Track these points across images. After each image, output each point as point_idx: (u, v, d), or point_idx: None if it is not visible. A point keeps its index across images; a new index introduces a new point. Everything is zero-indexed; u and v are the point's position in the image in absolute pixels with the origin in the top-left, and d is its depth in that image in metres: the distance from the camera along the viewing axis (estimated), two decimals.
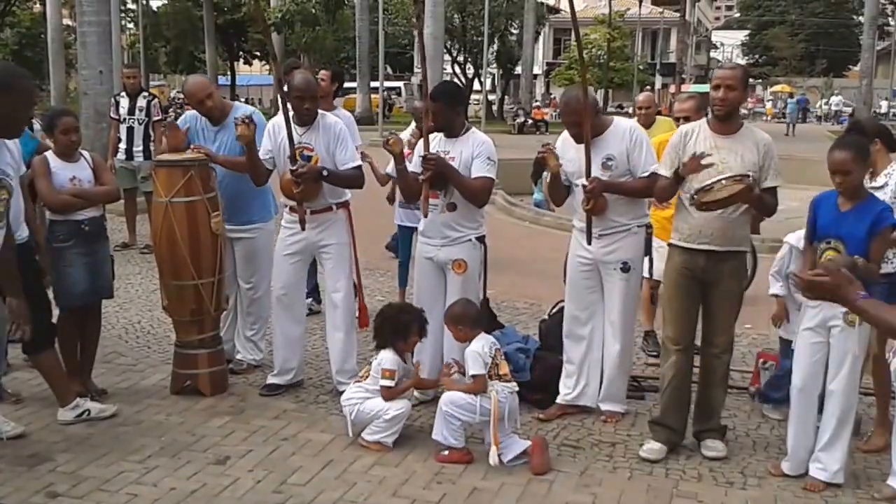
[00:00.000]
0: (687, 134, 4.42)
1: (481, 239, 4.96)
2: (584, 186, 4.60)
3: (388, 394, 4.46)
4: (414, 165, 4.98)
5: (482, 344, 4.40)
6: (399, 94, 45.20)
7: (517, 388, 4.44)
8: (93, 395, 4.95)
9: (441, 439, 4.33)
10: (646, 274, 6.14)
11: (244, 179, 5.18)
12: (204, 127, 5.37)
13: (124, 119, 9.24)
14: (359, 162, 5.12)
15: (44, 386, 4.83)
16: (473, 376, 4.33)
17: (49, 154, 4.94)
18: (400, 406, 4.47)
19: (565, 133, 4.86)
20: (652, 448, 4.40)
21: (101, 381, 5.22)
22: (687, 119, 5.79)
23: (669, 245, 4.53)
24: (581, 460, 4.37)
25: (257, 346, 5.66)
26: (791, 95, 45.49)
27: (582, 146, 4.60)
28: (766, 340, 6.28)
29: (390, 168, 6.44)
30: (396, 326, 4.56)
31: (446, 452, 4.31)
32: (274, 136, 5.04)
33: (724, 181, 4.11)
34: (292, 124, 4.88)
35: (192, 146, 5.20)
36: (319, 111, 5.06)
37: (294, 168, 4.84)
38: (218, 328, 5.31)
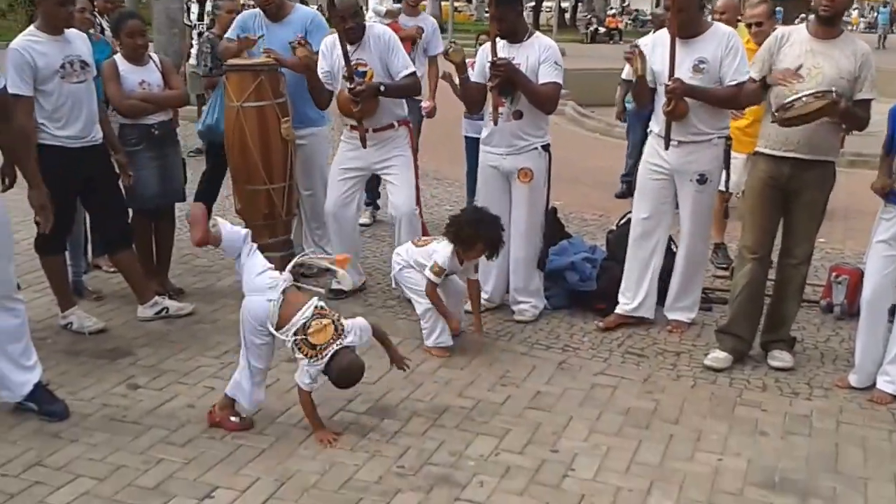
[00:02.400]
0: (783, 37, 4.24)
1: (546, 147, 4.91)
2: (665, 86, 4.48)
3: (430, 290, 4.46)
4: (476, 75, 4.93)
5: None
6: (469, 1, 44.42)
7: None
8: (170, 294, 5.14)
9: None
10: (721, 187, 6.05)
11: (300, 82, 5.20)
12: (261, 24, 5.33)
13: (195, 25, 9.28)
14: (412, 69, 5.08)
15: (123, 284, 5.03)
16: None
17: (118, 57, 4.97)
18: (428, 304, 4.49)
19: (658, 33, 4.75)
20: (717, 357, 4.40)
21: (178, 282, 5.41)
22: (759, 25, 5.59)
23: (754, 153, 4.42)
24: (644, 368, 4.40)
25: (325, 251, 5.75)
26: (885, 4, 43.13)
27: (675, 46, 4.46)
28: (839, 255, 6.16)
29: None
30: (466, 234, 4.45)
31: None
32: (329, 54, 5.02)
33: (805, 98, 3.96)
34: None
35: (262, 51, 5.22)
36: (366, 24, 5.01)
37: (351, 87, 4.84)
38: (289, 232, 5.43)
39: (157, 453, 3.49)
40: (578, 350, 4.61)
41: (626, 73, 6.95)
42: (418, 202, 5.28)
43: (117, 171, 4.82)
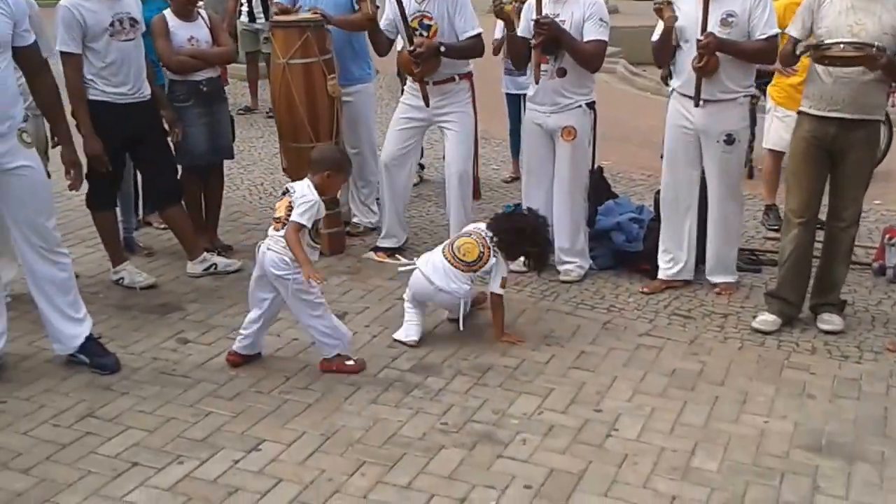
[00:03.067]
0: None
1: (591, 105, 4.84)
2: (697, 42, 4.38)
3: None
4: (521, 30, 4.86)
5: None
6: None
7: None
8: (219, 251, 5.20)
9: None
10: (767, 145, 5.92)
11: (346, 39, 5.16)
12: None
13: None
14: (478, 30, 5.00)
15: (174, 241, 5.11)
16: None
17: (167, 13, 4.99)
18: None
19: None
20: (766, 320, 4.34)
21: (226, 238, 5.47)
22: None
23: (798, 113, 4.31)
24: (691, 330, 4.36)
25: (370, 209, 5.77)
26: None
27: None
28: (895, 216, 6.00)
29: (499, 32, 6.33)
30: (513, 248, 4.20)
31: None
32: (394, 2, 4.97)
33: (843, 45, 3.87)
34: None
35: (308, 8, 5.19)
36: None
37: (412, 49, 4.80)
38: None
39: (206, 406, 3.56)
40: (623, 311, 4.58)
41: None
42: (476, 162, 5.25)
43: (166, 128, 4.87)
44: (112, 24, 4.37)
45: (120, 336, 4.17)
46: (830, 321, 4.32)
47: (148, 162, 4.82)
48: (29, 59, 3.70)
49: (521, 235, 4.18)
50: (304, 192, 3.71)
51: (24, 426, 3.38)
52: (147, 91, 4.64)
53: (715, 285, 4.82)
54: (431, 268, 4.12)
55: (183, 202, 4.99)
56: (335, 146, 4.45)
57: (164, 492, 3.00)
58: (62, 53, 4.37)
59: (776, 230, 5.66)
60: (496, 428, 3.44)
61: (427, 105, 5.02)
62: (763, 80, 5.72)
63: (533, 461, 3.21)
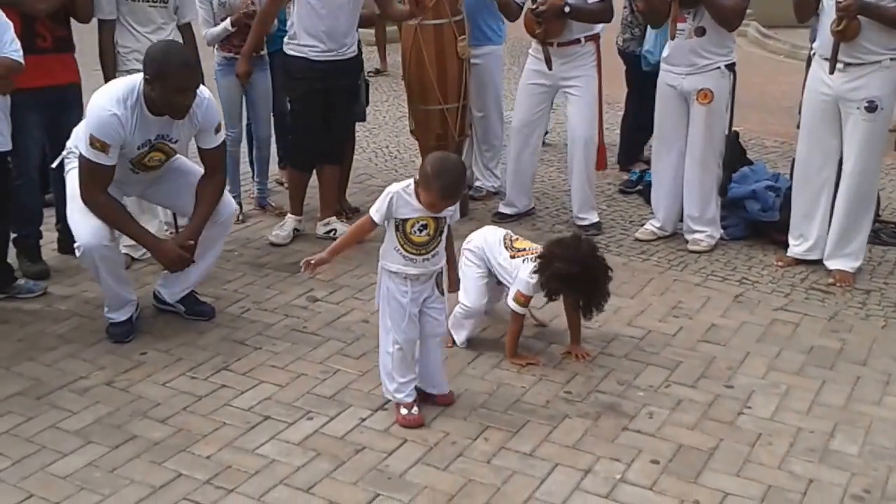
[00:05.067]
0: None
1: (731, 67, 4.63)
2: (837, 3, 4.09)
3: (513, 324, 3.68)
4: None
5: None
6: None
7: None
8: (347, 213, 5.28)
9: None
10: None
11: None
12: None
13: None
14: None
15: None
16: None
17: None
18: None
19: None
20: None
21: (353, 200, 5.54)
22: None
23: None
24: (830, 305, 4.16)
25: (493, 174, 5.73)
26: None
27: None
28: None
29: None
30: (551, 275, 3.46)
31: None
32: None
33: None
34: None
35: None
36: None
37: (534, 6, 4.70)
38: (461, 154, 5.41)
39: (334, 364, 3.63)
40: (757, 283, 4.41)
41: None
42: (600, 125, 5.13)
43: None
44: None
45: (254, 293, 4.30)
46: None
47: (331, 117, 4.91)
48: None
49: (573, 279, 3.43)
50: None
51: (163, 377, 3.53)
52: (350, 49, 4.79)
53: (829, 272, 4.45)
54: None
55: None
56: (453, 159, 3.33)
57: (294, 446, 3.08)
58: None
59: None
60: (621, 399, 3.38)
61: (549, 68, 4.91)
62: None
63: (660, 435, 3.14)
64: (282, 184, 5.80)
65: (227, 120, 5.30)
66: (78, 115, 4.62)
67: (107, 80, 4.40)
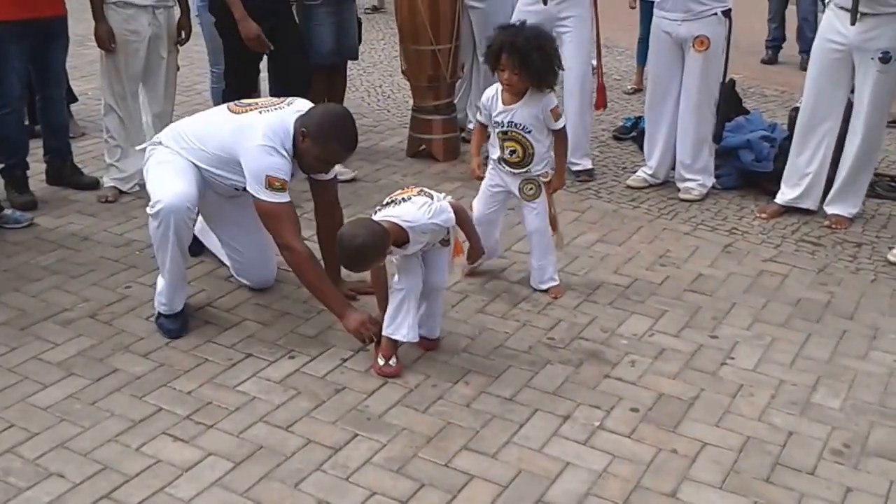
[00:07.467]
0: None
1: (727, 13, 4.53)
2: None
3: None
4: None
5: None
6: None
7: None
8: None
9: None
10: None
11: None
12: None
13: None
14: None
15: None
16: None
17: None
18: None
19: None
20: None
21: None
22: None
23: None
24: (820, 258, 4.14)
25: None
26: None
27: None
28: None
29: None
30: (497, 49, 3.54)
31: None
32: None
33: None
34: None
35: None
36: None
37: None
38: (452, 95, 5.35)
39: (318, 304, 3.56)
40: (747, 234, 4.39)
41: None
42: (598, 64, 5.03)
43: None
44: None
45: None
46: None
47: (280, 57, 4.77)
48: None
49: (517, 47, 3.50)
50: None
51: (147, 312, 3.52)
52: None
53: (826, 217, 4.48)
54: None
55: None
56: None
57: (275, 384, 3.08)
58: None
59: None
60: (604, 347, 3.37)
61: (544, 3, 4.80)
62: None
63: (641, 384, 3.14)
64: None
65: (212, 56, 5.22)
66: (63, 46, 4.55)
67: (94, 9, 4.33)
